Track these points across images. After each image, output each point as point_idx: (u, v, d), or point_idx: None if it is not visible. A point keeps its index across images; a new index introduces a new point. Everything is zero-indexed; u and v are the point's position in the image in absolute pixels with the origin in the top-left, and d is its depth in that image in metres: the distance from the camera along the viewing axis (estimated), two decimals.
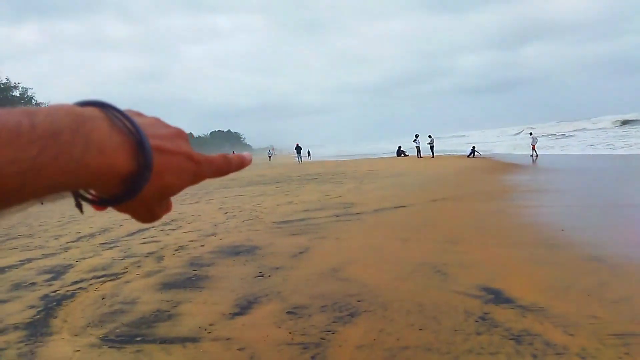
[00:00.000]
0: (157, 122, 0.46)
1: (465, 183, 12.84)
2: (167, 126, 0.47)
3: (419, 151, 30.02)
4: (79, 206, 0.46)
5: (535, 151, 22.62)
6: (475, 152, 26.30)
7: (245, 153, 0.57)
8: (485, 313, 3.18)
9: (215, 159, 0.51)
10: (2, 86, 58.12)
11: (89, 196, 0.44)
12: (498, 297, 3.46)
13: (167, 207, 0.51)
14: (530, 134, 24.34)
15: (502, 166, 18.80)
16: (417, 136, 30.39)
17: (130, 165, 0.40)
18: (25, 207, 0.39)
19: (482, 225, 6.49)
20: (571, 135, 41.80)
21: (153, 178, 0.43)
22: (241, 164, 0.56)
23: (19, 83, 60.72)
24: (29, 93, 61.62)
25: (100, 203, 0.44)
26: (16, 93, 60.37)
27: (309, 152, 52.48)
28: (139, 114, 0.46)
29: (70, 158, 0.36)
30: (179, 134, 0.47)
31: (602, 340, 2.70)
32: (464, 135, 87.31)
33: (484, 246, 5.18)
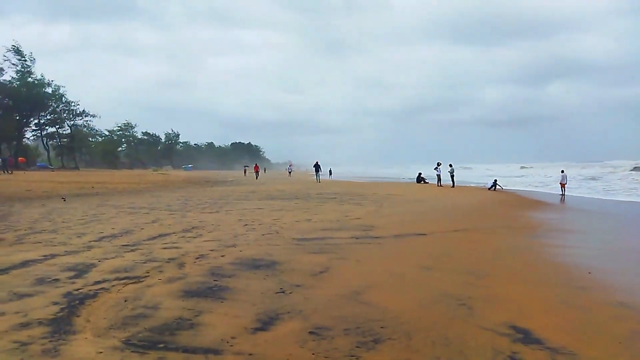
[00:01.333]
0: None
1: (488, 216, 12.67)
2: None
3: (439, 179, 29.81)
4: None
5: (564, 189, 22.14)
6: (497, 186, 26.00)
7: None
8: (514, 352, 3.10)
9: None
10: (36, 82, 59.87)
11: None
12: (527, 337, 3.38)
13: None
14: (562, 171, 23.76)
15: (526, 202, 18.52)
16: (439, 164, 30.19)
17: None
18: None
19: (506, 260, 6.38)
20: (595, 178, 41.02)
21: None
22: None
23: (52, 80, 62.49)
24: (61, 91, 63.41)
25: None
26: (49, 90, 62.17)
27: (330, 171, 52.45)
28: None
29: None
30: None
31: None
32: (470, 168, 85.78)
33: (509, 282, 5.08)
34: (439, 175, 29.91)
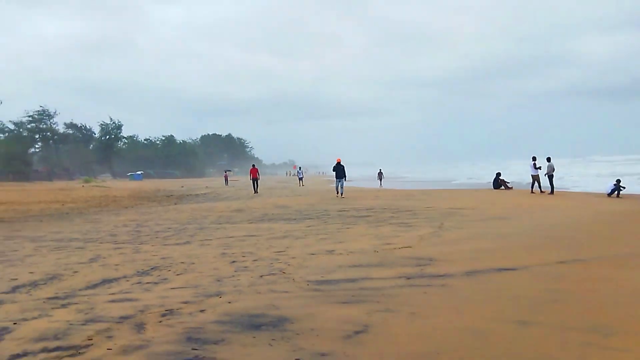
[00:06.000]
0: None
1: (611, 238, 12.51)
2: None
3: (536, 182, 29.88)
4: None
5: None
6: (621, 189, 25.77)
7: None
8: None
9: None
10: None
11: None
12: None
13: None
14: None
15: None
16: (535, 160, 30.11)
17: None
18: None
19: None
20: None
21: None
22: None
23: None
24: None
25: None
26: None
27: (381, 174, 54.71)
28: None
29: None
30: None
31: None
32: (580, 160, 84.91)
33: None
34: (535, 177, 29.83)
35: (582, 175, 51.85)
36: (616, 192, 25.75)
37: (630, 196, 25.75)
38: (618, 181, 26.71)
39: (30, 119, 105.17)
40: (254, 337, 5.23)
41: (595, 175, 51.24)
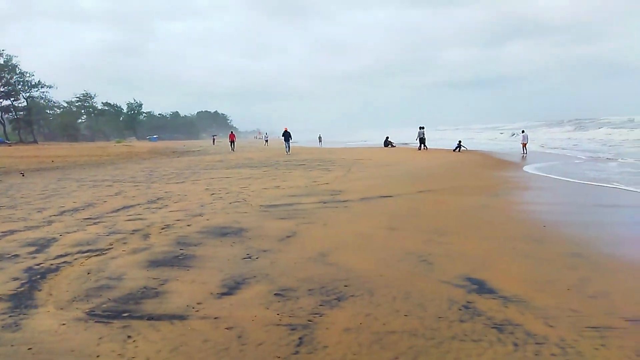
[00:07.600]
0: None
1: (452, 176, 12.98)
2: None
3: (422, 143, 29.15)
4: None
5: (526, 149, 22.99)
6: (462, 147, 26.57)
7: None
8: (469, 302, 3.27)
9: None
10: None
11: None
12: (481, 288, 3.55)
13: None
14: (523, 131, 24.68)
15: (488, 162, 19.04)
16: (421, 128, 29.79)
17: None
18: None
19: (467, 218, 6.60)
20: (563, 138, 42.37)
21: None
22: None
23: (3, 50, 58.96)
24: (14, 61, 59.98)
25: None
26: (0, 60, 58.68)
27: (320, 138, 52.84)
28: None
29: None
30: None
31: (580, 332, 2.80)
32: (443, 130, 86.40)
33: (468, 238, 5.28)
34: (421, 139, 29.49)
35: (437, 139, 52.64)
36: (458, 149, 26.53)
37: (468, 151, 26.58)
38: (459, 142, 27.54)
39: (77, 99, 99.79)
40: (221, 241, 5.24)
41: (446, 138, 52.19)
